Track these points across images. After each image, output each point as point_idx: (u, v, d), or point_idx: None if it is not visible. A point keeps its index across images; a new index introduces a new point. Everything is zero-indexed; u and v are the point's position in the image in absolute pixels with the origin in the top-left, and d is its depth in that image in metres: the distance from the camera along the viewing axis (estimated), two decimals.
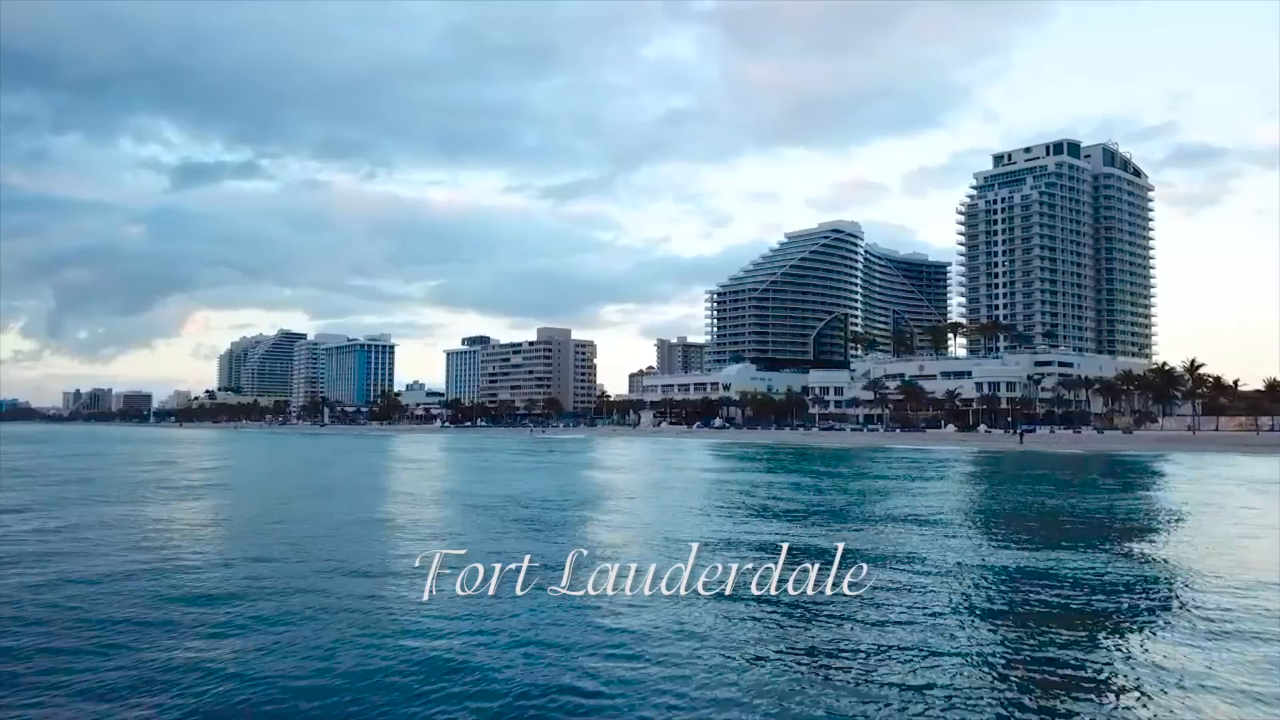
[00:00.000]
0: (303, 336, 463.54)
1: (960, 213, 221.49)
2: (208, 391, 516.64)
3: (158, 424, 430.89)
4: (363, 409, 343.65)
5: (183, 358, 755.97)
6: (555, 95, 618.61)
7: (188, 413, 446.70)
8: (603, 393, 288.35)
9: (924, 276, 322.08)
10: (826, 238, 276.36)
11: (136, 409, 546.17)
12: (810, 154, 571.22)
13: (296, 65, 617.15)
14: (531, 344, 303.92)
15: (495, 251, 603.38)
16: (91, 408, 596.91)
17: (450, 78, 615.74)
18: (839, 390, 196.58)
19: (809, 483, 54.04)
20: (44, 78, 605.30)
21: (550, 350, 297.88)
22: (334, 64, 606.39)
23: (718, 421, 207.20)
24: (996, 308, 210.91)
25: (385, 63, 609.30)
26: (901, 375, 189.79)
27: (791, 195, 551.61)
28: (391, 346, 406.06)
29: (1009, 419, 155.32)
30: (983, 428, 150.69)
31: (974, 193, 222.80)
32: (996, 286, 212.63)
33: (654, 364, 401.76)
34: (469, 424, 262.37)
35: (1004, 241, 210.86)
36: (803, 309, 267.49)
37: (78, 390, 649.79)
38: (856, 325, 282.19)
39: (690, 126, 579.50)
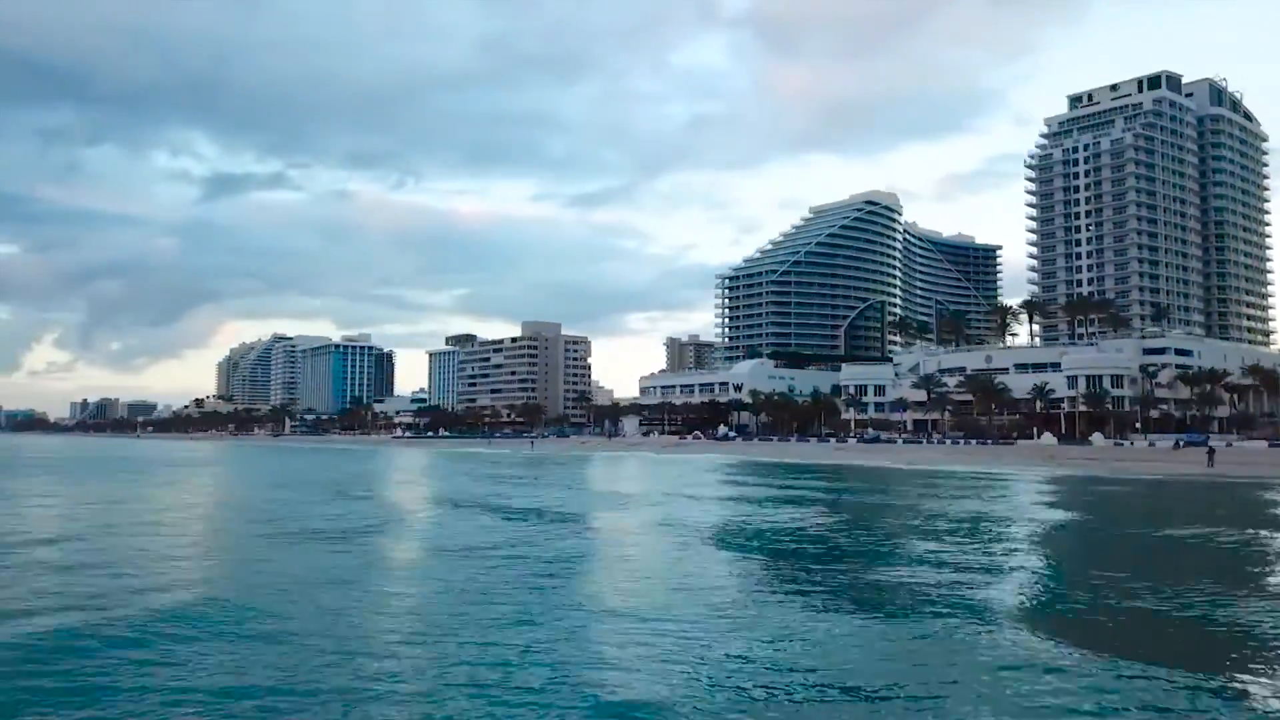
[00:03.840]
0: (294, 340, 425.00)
1: (1030, 166, 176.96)
2: (196, 400, 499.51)
3: (140, 434, 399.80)
4: (333, 417, 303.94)
5: (211, 369, 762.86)
6: (584, 103, 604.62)
7: (165, 423, 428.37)
8: (583, 396, 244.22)
9: (972, 262, 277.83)
10: (860, 210, 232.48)
11: (135, 420, 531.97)
12: (839, 160, 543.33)
13: (327, 76, 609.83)
14: (514, 341, 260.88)
15: (522, 260, 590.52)
16: (99, 418, 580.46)
17: (480, 87, 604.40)
18: (880, 390, 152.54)
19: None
20: (79, 91, 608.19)
21: (535, 349, 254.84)
22: (364, 75, 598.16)
23: (724, 430, 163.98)
24: (1078, 283, 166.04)
25: (415, 73, 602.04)
26: (962, 369, 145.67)
27: (820, 202, 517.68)
28: (372, 348, 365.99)
29: (1136, 425, 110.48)
30: (1098, 437, 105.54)
31: (1044, 142, 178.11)
32: (1078, 257, 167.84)
33: (664, 366, 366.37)
34: (431, 434, 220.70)
35: (1088, 199, 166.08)
36: (832, 294, 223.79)
37: (85, 400, 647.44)
38: (895, 313, 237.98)
39: (718, 133, 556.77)
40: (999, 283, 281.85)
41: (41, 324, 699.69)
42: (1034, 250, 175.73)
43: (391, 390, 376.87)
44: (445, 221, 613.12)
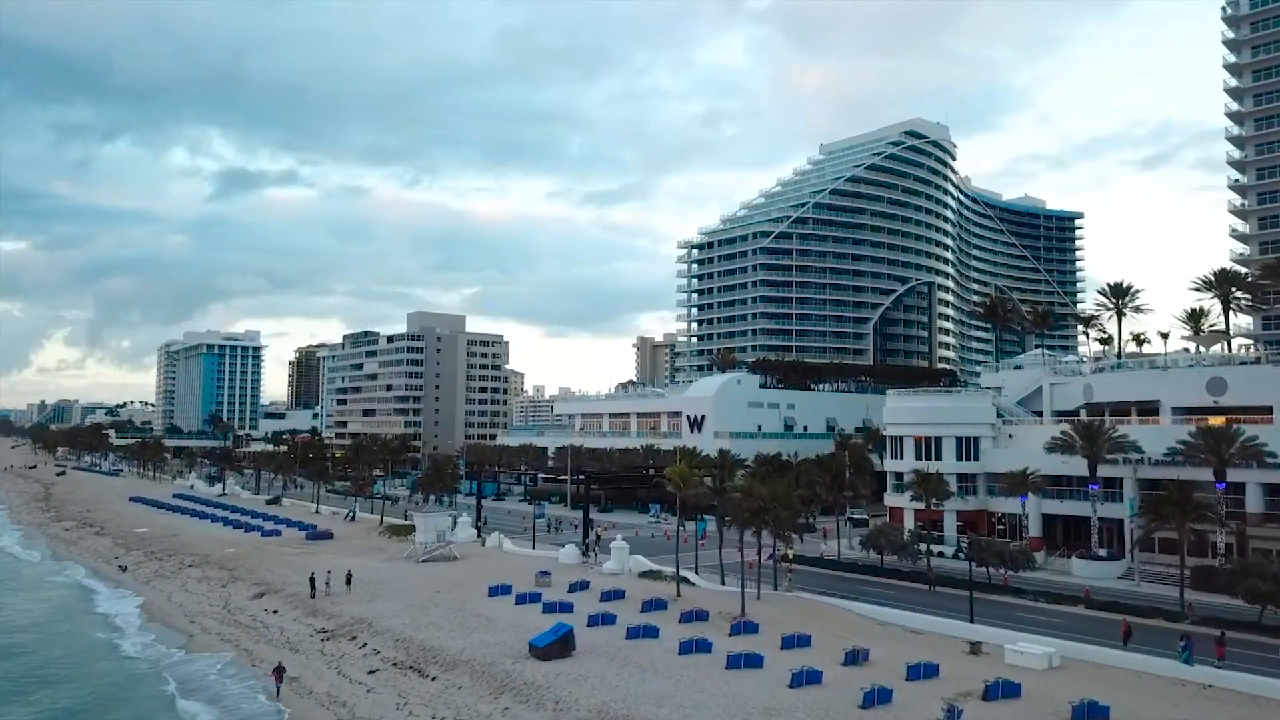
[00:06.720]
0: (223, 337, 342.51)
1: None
2: (116, 407, 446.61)
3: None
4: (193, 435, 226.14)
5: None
6: (605, 100, 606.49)
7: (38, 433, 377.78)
8: (496, 418, 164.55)
9: (1043, 235, 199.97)
10: (897, 145, 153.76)
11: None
12: None
13: (345, 70, 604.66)
14: (392, 340, 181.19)
15: (536, 259, 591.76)
16: (57, 420, 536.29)
17: (500, 82, 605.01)
18: (970, 446, 72.72)
19: None
20: (96, 86, 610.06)
21: (422, 350, 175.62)
22: (383, 68, 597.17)
23: (654, 510, 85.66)
24: None
25: (435, 67, 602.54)
26: (1152, 408, 67.36)
27: (834, 138, 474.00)
28: (258, 349, 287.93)
29: None
30: None
31: None
32: None
33: (635, 375, 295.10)
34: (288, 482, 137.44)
35: None
36: (854, 269, 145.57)
37: (43, 401, 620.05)
38: (949, 300, 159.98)
39: (737, 132, 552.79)
40: (1078, 266, 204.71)
41: (53, 321, 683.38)
42: (1236, 148, 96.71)
43: (315, 401, 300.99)
44: (460, 219, 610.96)
